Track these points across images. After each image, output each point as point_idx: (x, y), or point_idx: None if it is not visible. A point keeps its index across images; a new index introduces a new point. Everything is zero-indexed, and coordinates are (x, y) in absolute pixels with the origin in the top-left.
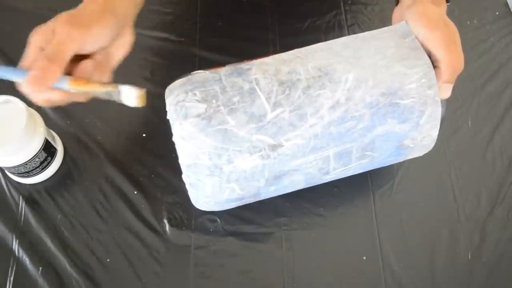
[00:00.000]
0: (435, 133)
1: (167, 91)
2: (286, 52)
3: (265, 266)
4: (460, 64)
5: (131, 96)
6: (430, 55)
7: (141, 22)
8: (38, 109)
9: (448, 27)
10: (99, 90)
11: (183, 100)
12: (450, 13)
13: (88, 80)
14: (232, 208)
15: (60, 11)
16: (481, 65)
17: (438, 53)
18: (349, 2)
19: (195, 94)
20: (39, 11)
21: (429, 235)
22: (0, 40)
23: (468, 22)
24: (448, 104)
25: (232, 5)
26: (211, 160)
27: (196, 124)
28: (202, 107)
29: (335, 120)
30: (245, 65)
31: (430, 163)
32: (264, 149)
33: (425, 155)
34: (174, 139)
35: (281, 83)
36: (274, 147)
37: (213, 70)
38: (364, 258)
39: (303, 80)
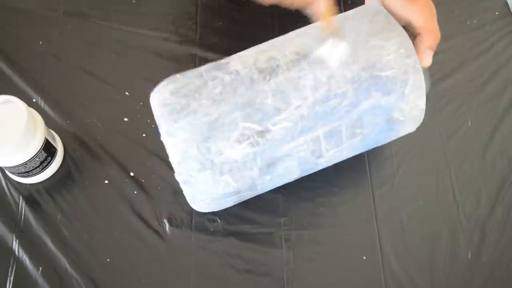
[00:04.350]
0: (422, 102)
1: (151, 95)
2: (263, 43)
3: (265, 266)
4: (439, 34)
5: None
6: (409, 25)
7: (141, 22)
8: (38, 109)
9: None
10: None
11: (167, 99)
12: (450, 13)
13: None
14: (232, 208)
15: (60, 11)
16: (481, 65)
17: (419, 19)
18: (349, 2)
19: (178, 92)
20: (39, 11)
21: (429, 235)
22: (0, 40)
23: (468, 22)
24: (448, 104)
25: (232, 5)
26: (201, 154)
27: (182, 120)
28: (185, 103)
29: (319, 100)
30: (223, 60)
31: (430, 163)
32: (253, 136)
33: (425, 155)
34: (162, 138)
35: (260, 71)
36: (262, 133)
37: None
38: (364, 258)
39: (282, 65)
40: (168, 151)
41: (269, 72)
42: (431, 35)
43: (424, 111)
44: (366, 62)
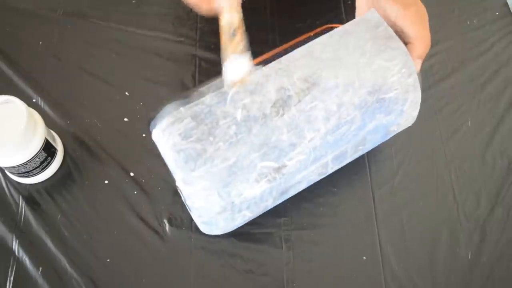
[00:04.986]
0: (415, 113)
1: (155, 132)
2: (267, 65)
3: (265, 266)
4: (429, 42)
5: (237, 68)
6: (402, 33)
7: (141, 22)
8: (38, 109)
9: (418, 5)
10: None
11: (179, 144)
12: (450, 13)
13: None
14: None
15: (60, 11)
16: (481, 65)
17: (412, 29)
18: (349, 2)
19: (189, 135)
20: (39, 11)
21: (429, 235)
22: (0, 40)
23: (468, 22)
24: (448, 104)
25: None
26: (222, 199)
27: (199, 168)
28: (201, 149)
29: (330, 129)
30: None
31: (430, 163)
32: (270, 173)
33: (425, 155)
34: (177, 184)
35: (272, 104)
36: (278, 169)
37: (198, 93)
38: (364, 258)
39: (293, 96)
40: (185, 196)
41: (281, 105)
42: (422, 45)
43: (415, 117)
44: (372, 86)
